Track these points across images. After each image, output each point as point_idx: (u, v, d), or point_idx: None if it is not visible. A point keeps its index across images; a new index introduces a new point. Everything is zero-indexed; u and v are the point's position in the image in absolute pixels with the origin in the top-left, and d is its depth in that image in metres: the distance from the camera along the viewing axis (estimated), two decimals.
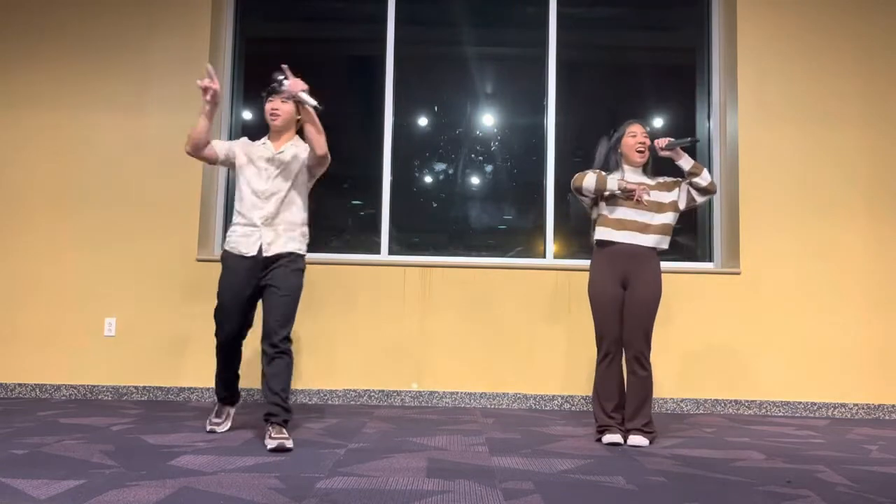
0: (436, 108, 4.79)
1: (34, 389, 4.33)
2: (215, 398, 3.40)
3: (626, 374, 3.12)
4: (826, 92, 4.53)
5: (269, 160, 3.03)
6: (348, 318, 4.38)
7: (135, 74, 4.53)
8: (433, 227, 4.67)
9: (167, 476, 2.29)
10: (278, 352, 2.86)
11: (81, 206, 4.45)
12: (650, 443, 3.10)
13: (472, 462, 2.63)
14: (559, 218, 4.66)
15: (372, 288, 4.40)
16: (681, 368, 4.36)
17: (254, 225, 2.97)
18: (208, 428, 3.18)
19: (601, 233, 3.16)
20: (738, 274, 4.42)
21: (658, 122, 4.79)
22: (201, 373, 4.35)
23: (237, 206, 3.04)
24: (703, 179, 3.11)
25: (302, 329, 4.37)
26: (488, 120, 4.79)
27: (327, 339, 4.37)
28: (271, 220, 2.97)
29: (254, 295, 3.00)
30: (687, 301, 4.40)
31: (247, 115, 4.80)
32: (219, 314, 3.01)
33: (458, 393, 4.34)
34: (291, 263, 2.98)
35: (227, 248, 3.03)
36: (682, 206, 3.19)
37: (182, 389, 4.33)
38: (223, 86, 4.70)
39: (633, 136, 3.17)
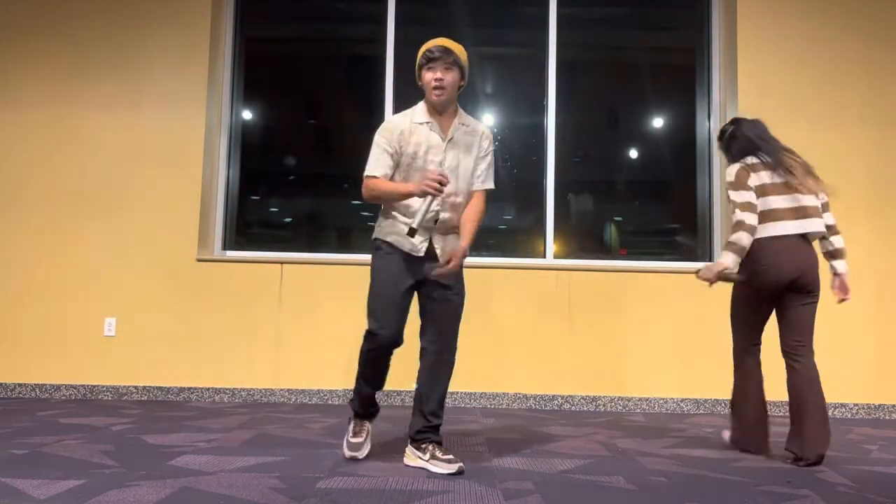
0: None
1: (34, 389, 4.33)
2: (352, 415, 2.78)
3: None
4: (827, 91, 4.53)
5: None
6: (348, 318, 4.38)
7: (135, 73, 4.53)
8: None
9: (167, 476, 2.29)
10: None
11: (81, 206, 4.45)
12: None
13: (472, 462, 2.63)
14: (559, 218, 4.66)
15: None
16: (681, 368, 4.36)
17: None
18: (348, 455, 2.63)
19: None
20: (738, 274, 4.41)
21: (658, 122, 4.79)
22: (201, 373, 4.35)
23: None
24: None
25: (302, 329, 4.37)
26: (488, 120, 4.79)
27: (327, 339, 4.37)
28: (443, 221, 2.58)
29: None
30: (687, 301, 4.40)
31: (247, 114, 4.80)
32: (377, 314, 2.52)
33: (458, 393, 4.34)
34: None
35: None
36: None
37: (182, 389, 4.33)
38: (223, 85, 4.70)
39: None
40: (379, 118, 4.70)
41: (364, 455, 2.67)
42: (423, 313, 2.60)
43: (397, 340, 2.52)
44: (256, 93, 4.80)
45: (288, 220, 4.72)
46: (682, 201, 4.74)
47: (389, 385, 4.35)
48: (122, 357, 4.35)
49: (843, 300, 2.97)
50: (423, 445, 2.51)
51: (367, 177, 2.53)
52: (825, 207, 2.97)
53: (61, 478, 2.24)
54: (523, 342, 4.38)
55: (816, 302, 2.88)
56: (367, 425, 2.74)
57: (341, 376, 4.35)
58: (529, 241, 4.68)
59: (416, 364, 4.34)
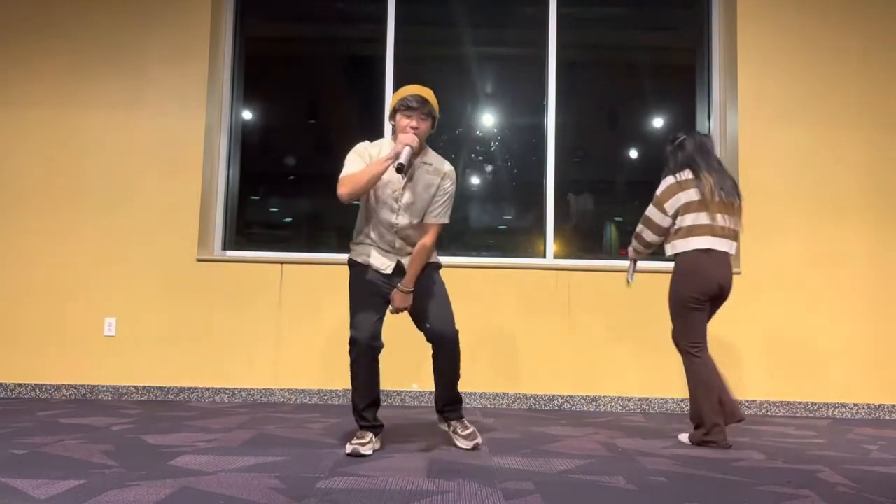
0: None
1: (34, 389, 4.33)
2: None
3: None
4: (826, 91, 4.53)
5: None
6: (348, 318, 4.38)
7: (134, 73, 4.53)
8: None
9: (167, 476, 2.29)
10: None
11: (81, 206, 4.45)
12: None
13: (472, 462, 2.63)
14: (559, 218, 4.66)
15: None
16: (681, 368, 4.36)
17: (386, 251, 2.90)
18: (349, 449, 2.73)
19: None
20: (738, 274, 4.42)
21: (658, 122, 4.79)
22: (201, 373, 4.35)
23: None
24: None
25: (302, 329, 4.37)
26: (488, 120, 4.79)
27: (327, 339, 4.37)
28: None
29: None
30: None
31: (247, 114, 4.80)
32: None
33: None
34: None
35: None
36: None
37: (182, 389, 4.33)
38: (223, 85, 4.70)
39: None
40: (379, 118, 4.71)
41: (369, 452, 2.73)
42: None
43: (374, 343, 2.75)
44: (256, 93, 4.80)
45: (288, 220, 4.72)
46: None
47: (390, 385, 4.35)
48: (122, 357, 4.35)
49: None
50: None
51: (342, 177, 2.74)
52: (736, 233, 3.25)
53: (61, 478, 2.24)
54: (523, 342, 4.38)
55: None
56: (371, 435, 2.81)
57: (341, 376, 4.35)
58: (529, 241, 4.68)
59: (416, 365, 4.35)
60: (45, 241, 4.43)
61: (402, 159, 2.60)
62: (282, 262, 4.42)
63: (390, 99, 4.69)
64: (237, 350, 4.36)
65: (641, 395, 4.34)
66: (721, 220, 3.13)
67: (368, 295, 2.80)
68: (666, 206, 3.17)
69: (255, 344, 4.37)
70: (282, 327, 4.38)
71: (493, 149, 4.77)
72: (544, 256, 4.63)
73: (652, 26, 4.89)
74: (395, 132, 2.81)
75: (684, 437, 3.21)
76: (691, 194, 3.13)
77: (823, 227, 4.45)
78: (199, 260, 4.41)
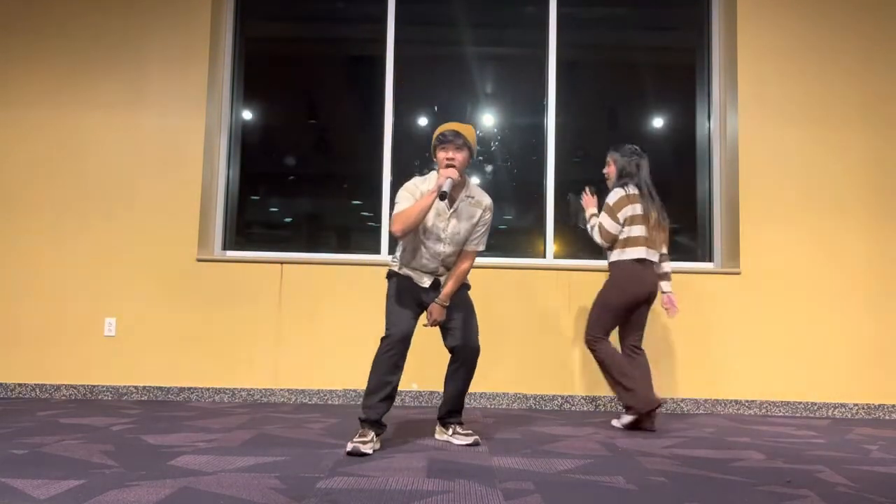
0: (436, 108, 4.79)
1: (34, 389, 4.33)
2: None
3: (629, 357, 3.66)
4: (826, 91, 4.53)
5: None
6: (348, 318, 4.38)
7: (135, 74, 4.53)
8: None
9: (167, 476, 2.29)
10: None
11: (81, 206, 4.45)
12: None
13: (472, 462, 2.63)
14: (559, 218, 4.66)
15: (372, 288, 4.40)
16: (681, 368, 4.36)
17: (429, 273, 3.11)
18: (350, 448, 2.75)
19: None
20: (738, 274, 4.42)
21: (658, 122, 4.79)
22: (201, 373, 4.35)
23: None
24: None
25: (301, 329, 4.37)
26: (488, 120, 4.79)
27: (327, 339, 4.37)
28: None
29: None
30: (687, 301, 4.40)
31: (247, 114, 4.80)
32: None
33: None
34: None
35: None
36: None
37: (182, 389, 4.33)
38: (223, 85, 4.70)
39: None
40: (379, 118, 4.71)
41: (369, 451, 2.76)
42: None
43: (407, 338, 2.92)
44: (256, 93, 4.80)
45: (288, 220, 4.72)
46: (682, 201, 4.74)
47: None
48: (122, 357, 4.35)
49: (673, 314, 3.73)
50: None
51: (395, 215, 2.90)
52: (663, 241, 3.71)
53: (61, 478, 2.24)
54: (523, 342, 4.38)
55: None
56: (373, 434, 2.85)
57: (341, 376, 4.35)
58: (529, 241, 4.68)
59: (416, 366, 4.35)
60: (45, 241, 4.43)
61: (445, 188, 2.81)
62: (282, 262, 4.42)
63: (390, 99, 4.72)
64: (237, 350, 4.36)
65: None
66: (653, 235, 3.58)
67: (407, 299, 3.00)
68: (619, 214, 3.54)
69: (255, 344, 4.37)
70: (282, 327, 4.38)
71: (493, 149, 4.77)
72: (544, 256, 4.63)
73: (652, 26, 4.89)
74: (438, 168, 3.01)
75: (617, 423, 3.58)
76: (637, 208, 3.55)
77: (823, 227, 4.45)
78: (199, 260, 4.41)
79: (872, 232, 4.44)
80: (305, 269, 4.42)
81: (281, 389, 4.33)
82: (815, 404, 4.32)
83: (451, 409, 3.10)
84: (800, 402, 4.32)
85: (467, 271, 3.06)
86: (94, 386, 4.33)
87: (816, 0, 4.59)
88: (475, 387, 4.35)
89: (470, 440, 3.01)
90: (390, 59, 4.74)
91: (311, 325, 4.38)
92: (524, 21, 4.83)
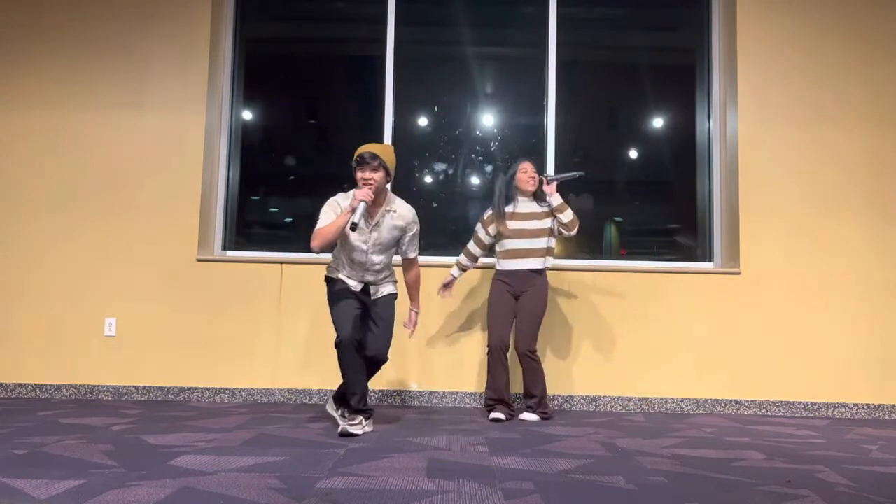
0: (436, 108, 4.79)
1: (34, 389, 4.33)
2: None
3: (521, 364, 3.87)
4: (826, 92, 4.53)
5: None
6: None
7: (134, 74, 4.53)
8: (433, 227, 4.67)
9: (167, 476, 2.29)
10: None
11: (81, 206, 4.45)
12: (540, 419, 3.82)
13: (472, 462, 2.63)
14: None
15: None
16: (681, 368, 4.36)
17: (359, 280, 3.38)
18: (344, 425, 3.16)
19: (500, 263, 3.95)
20: (738, 274, 4.42)
21: (658, 122, 4.79)
22: (201, 373, 4.35)
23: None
24: (565, 217, 3.83)
25: (301, 329, 4.37)
26: (488, 120, 4.79)
27: (327, 340, 4.37)
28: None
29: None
30: (687, 301, 4.40)
31: (247, 115, 4.80)
32: None
33: (458, 393, 4.34)
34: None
35: None
36: (554, 234, 3.91)
37: (182, 389, 4.33)
38: (223, 86, 4.70)
39: (525, 172, 3.91)
40: (379, 118, 4.71)
41: (359, 432, 3.13)
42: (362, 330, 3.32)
43: (355, 338, 3.18)
44: (256, 93, 4.80)
45: (288, 220, 4.72)
46: (682, 201, 4.74)
47: (389, 385, 4.35)
48: (122, 357, 4.35)
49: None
50: None
51: (315, 231, 3.14)
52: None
53: (61, 478, 2.24)
54: None
55: None
56: (361, 418, 3.20)
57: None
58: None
59: (415, 366, 4.34)
60: (45, 240, 4.43)
61: (356, 218, 3.01)
62: (282, 262, 4.42)
63: (390, 99, 4.72)
64: (237, 350, 4.36)
65: (641, 395, 4.34)
66: None
67: (345, 301, 3.25)
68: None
69: (254, 344, 4.37)
70: (282, 327, 4.38)
71: (493, 149, 4.77)
72: None
73: (652, 26, 4.89)
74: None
75: (527, 416, 3.83)
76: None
77: (823, 227, 4.45)
78: (199, 260, 4.41)
79: (872, 231, 4.44)
80: (305, 269, 4.42)
81: (281, 389, 4.33)
82: (815, 404, 4.32)
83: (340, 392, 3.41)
84: (800, 402, 4.32)
85: (418, 276, 3.50)
86: (94, 386, 4.33)
87: (816, 0, 4.59)
88: (475, 387, 4.35)
89: (351, 426, 3.15)
90: (390, 59, 4.74)
91: (310, 325, 4.38)
92: (524, 21, 4.83)
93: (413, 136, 4.76)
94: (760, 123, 4.51)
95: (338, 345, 3.17)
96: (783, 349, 4.37)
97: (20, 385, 4.34)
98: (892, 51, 4.55)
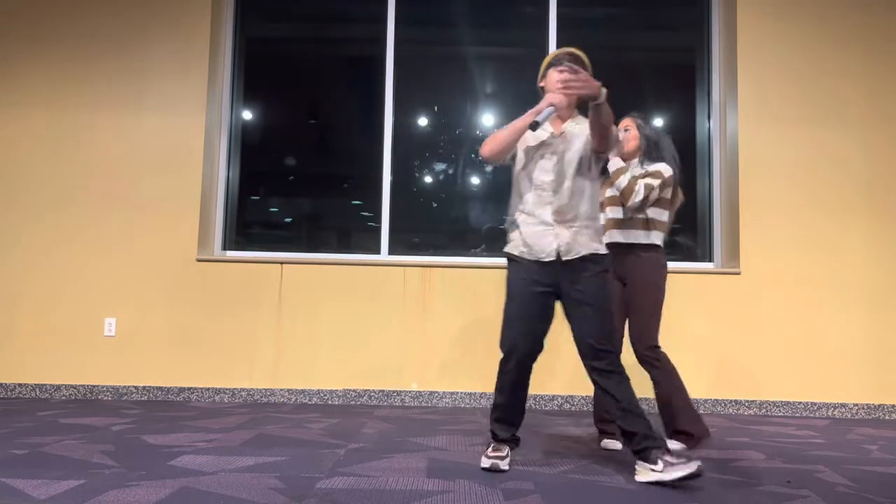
0: (436, 108, 4.79)
1: (34, 389, 4.33)
2: (491, 432, 2.64)
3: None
4: (826, 92, 4.53)
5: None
6: (348, 318, 4.38)
7: (134, 74, 4.53)
8: (433, 227, 4.67)
9: (167, 476, 2.29)
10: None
11: (81, 206, 4.45)
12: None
13: (472, 462, 2.63)
14: None
15: (372, 288, 4.40)
16: (681, 368, 4.35)
17: (546, 223, 2.52)
18: (487, 464, 2.48)
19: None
20: (738, 274, 4.42)
21: (658, 122, 4.79)
22: (201, 373, 4.35)
23: (519, 203, 2.60)
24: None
25: (301, 329, 4.37)
26: (488, 120, 4.79)
27: (327, 339, 4.37)
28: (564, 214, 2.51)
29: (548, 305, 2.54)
30: (687, 301, 4.40)
31: (247, 115, 4.80)
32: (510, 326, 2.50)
33: (458, 393, 4.34)
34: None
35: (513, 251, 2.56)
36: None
37: (182, 389, 4.33)
38: (223, 86, 4.70)
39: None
40: (379, 118, 4.71)
41: (506, 468, 2.48)
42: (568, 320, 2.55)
43: (532, 351, 2.48)
44: (256, 93, 4.80)
45: (288, 220, 4.72)
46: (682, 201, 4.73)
47: (389, 385, 4.35)
48: (122, 357, 4.35)
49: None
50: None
51: (489, 137, 2.54)
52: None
53: (61, 478, 2.24)
54: None
55: None
56: (507, 448, 2.57)
57: (341, 376, 4.35)
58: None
59: (415, 366, 4.34)
60: (45, 241, 4.43)
61: (539, 118, 2.44)
62: (282, 262, 4.42)
63: (390, 99, 4.71)
64: (237, 350, 4.36)
65: (641, 394, 4.34)
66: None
67: (525, 290, 2.50)
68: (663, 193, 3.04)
69: (255, 344, 4.37)
70: (282, 327, 4.38)
71: None
72: None
73: (652, 26, 4.89)
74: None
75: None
76: (669, 192, 3.06)
77: (823, 227, 4.45)
78: (199, 260, 4.41)
79: (872, 232, 4.44)
80: (305, 269, 4.42)
81: (281, 389, 4.33)
82: (815, 404, 4.32)
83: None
84: (800, 402, 4.32)
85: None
86: (94, 386, 4.33)
87: (816, 0, 4.59)
88: (475, 387, 4.35)
89: (692, 468, 2.26)
90: (390, 59, 4.74)
91: (311, 325, 4.38)
92: (524, 21, 4.83)
93: (413, 136, 4.76)
94: (760, 123, 4.51)
95: (503, 352, 2.53)
96: (783, 349, 4.37)
97: (20, 385, 4.34)
98: (891, 51, 4.55)
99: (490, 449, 2.55)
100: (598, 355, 2.43)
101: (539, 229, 2.51)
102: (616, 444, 2.98)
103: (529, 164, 2.59)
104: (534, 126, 2.42)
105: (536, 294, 2.49)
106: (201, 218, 4.46)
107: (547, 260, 2.48)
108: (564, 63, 2.58)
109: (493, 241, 4.66)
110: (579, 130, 2.63)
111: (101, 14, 4.56)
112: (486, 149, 2.52)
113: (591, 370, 2.45)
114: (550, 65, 2.66)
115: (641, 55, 4.85)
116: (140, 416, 3.59)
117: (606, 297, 2.50)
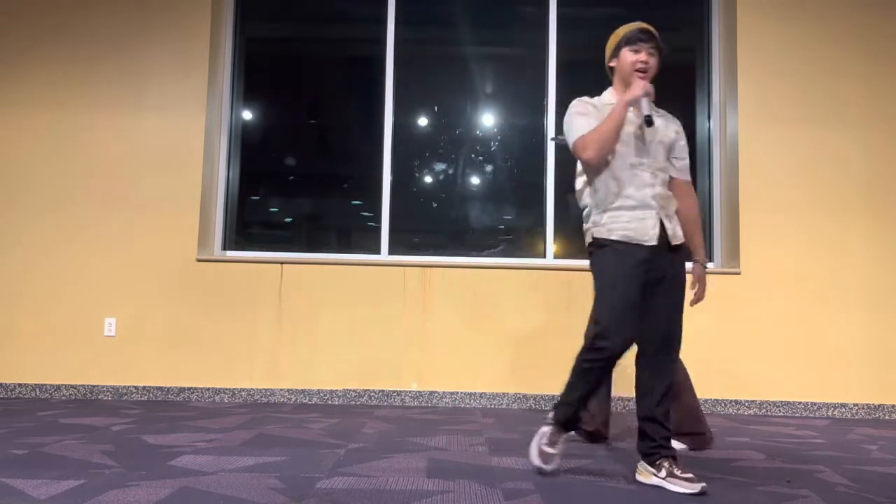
0: (436, 108, 4.79)
1: (34, 389, 4.33)
2: (557, 422, 2.46)
3: None
4: (826, 92, 4.53)
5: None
6: (348, 318, 4.38)
7: (134, 74, 4.53)
8: (433, 227, 4.67)
9: (167, 476, 2.29)
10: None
11: (81, 207, 4.45)
12: None
13: (472, 462, 2.63)
14: (559, 218, 4.66)
15: (372, 288, 4.40)
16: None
17: (647, 206, 2.35)
18: (537, 463, 2.43)
19: None
20: (738, 274, 4.42)
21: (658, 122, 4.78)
22: (201, 373, 4.35)
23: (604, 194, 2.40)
24: None
25: (301, 329, 4.37)
26: (488, 120, 4.79)
27: (327, 339, 4.37)
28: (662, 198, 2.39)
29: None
30: (687, 301, 4.39)
31: (247, 115, 4.80)
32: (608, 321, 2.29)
33: (458, 393, 4.34)
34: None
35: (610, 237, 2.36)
36: None
37: (182, 389, 4.33)
38: (223, 86, 4.70)
39: None
40: (379, 118, 4.71)
41: (552, 469, 2.43)
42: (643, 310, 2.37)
43: (633, 339, 2.33)
44: (256, 93, 4.80)
45: (288, 220, 4.72)
46: None
47: (389, 385, 4.35)
48: (122, 357, 4.35)
49: None
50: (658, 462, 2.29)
51: (580, 137, 2.38)
52: None
53: (61, 478, 2.24)
54: (523, 342, 4.38)
55: None
56: (563, 438, 2.47)
57: (341, 376, 4.35)
58: (529, 241, 4.68)
59: (415, 366, 4.34)
60: (45, 241, 4.43)
61: (647, 111, 2.32)
62: (282, 262, 4.42)
63: (390, 99, 4.71)
64: (237, 350, 4.36)
65: None
66: None
67: (628, 283, 2.29)
68: None
69: (255, 344, 4.37)
70: (282, 327, 4.38)
71: (493, 149, 4.77)
72: (544, 256, 4.63)
73: (652, 26, 4.87)
74: (612, 75, 2.55)
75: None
76: None
77: (823, 227, 4.45)
78: (199, 260, 4.41)
79: (872, 231, 4.44)
80: (305, 269, 4.42)
81: (281, 389, 4.33)
82: (815, 404, 4.32)
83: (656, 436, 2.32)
84: (799, 402, 4.32)
85: (698, 206, 2.49)
86: (94, 386, 4.33)
87: (816, 1, 4.59)
88: (475, 387, 4.35)
89: (696, 488, 2.20)
90: (390, 59, 4.74)
91: (311, 325, 4.38)
92: (524, 21, 4.83)
93: (413, 136, 4.76)
94: (760, 123, 4.51)
95: (598, 350, 2.31)
96: (783, 349, 4.37)
97: (20, 385, 4.34)
98: (891, 51, 4.55)
99: (553, 444, 2.42)
100: (672, 345, 2.35)
101: (640, 213, 2.35)
102: (681, 445, 2.95)
103: (626, 149, 2.43)
104: (649, 121, 2.31)
105: (639, 279, 2.31)
106: (201, 218, 4.47)
107: (650, 244, 2.32)
108: (643, 48, 2.51)
109: (513, 242, 4.66)
110: (659, 116, 2.57)
111: (101, 14, 4.56)
112: (592, 150, 2.32)
113: (649, 364, 2.32)
114: (624, 43, 2.50)
115: None
116: (140, 416, 3.59)
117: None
